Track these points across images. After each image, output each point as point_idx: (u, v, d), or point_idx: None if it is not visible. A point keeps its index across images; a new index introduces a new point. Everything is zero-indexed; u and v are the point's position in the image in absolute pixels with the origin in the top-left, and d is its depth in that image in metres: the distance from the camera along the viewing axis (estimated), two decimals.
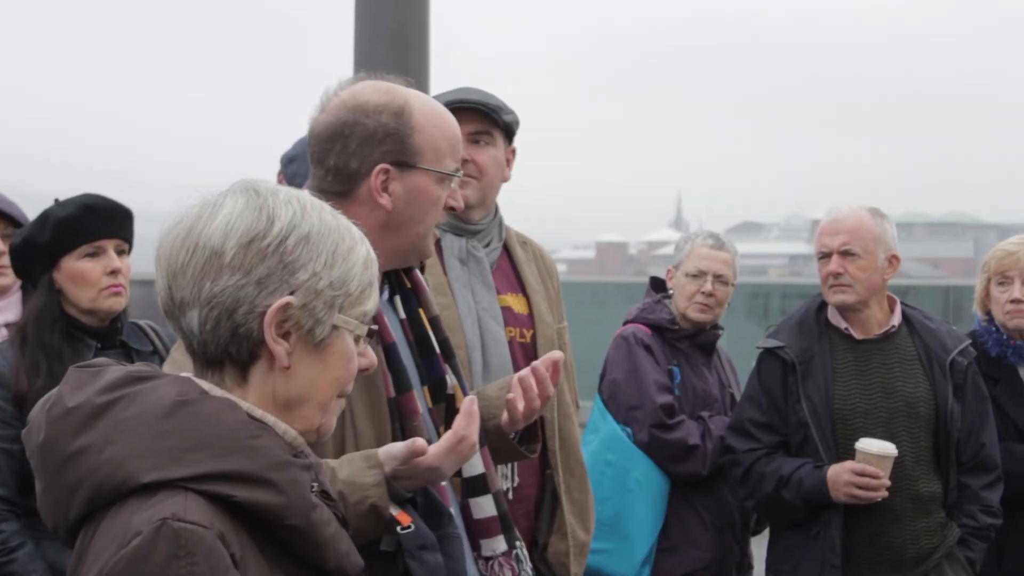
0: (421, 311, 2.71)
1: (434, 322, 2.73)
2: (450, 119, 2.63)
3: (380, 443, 2.47)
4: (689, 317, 4.61)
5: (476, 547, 2.69)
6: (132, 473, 1.58)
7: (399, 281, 2.71)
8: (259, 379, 1.71)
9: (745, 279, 5.61)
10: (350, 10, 6.16)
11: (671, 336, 4.60)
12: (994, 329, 4.54)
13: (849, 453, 4.05)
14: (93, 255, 3.49)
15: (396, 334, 2.63)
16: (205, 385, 1.70)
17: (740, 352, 4.94)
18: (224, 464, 1.59)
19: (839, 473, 4.03)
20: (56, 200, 3.56)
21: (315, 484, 1.71)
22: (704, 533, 4.52)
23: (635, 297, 4.85)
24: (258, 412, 1.70)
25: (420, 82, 6.08)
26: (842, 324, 4.25)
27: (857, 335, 4.24)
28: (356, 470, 2.35)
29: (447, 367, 2.70)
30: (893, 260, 4.24)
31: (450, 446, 2.36)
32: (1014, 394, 4.49)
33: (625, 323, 4.69)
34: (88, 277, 3.48)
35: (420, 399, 2.63)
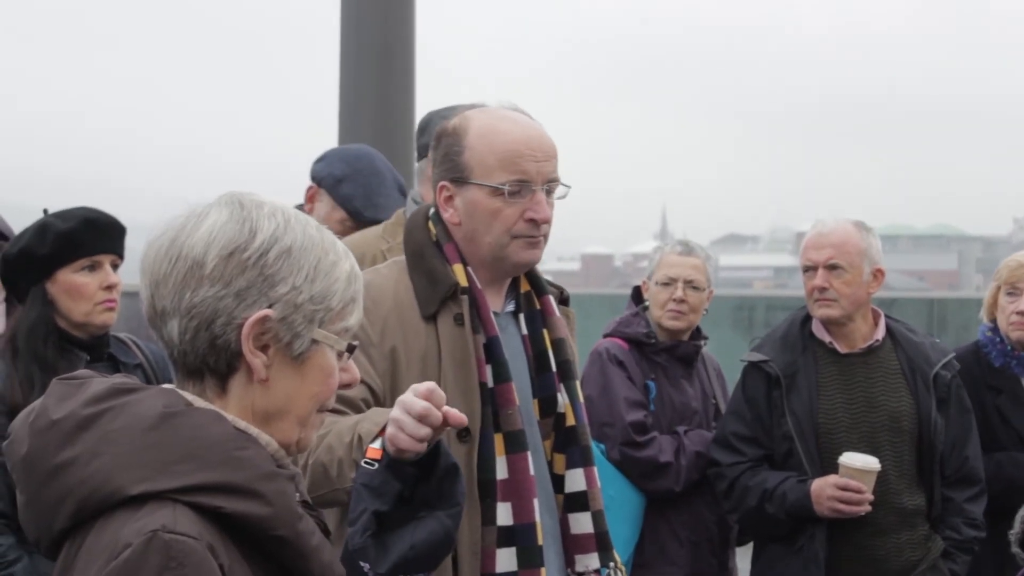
0: (546, 332, 2.92)
1: (558, 344, 2.92)
2: (505, 136, 2.82)
3: (471, 422, 2.68)
4: (664, 326, 4.57)
5: (571, 562, 2.86)
6: (120, 485, 1.57)
7: (528, 302, 2.95)
8: (238, 391, 1.71)
9: (730, 291, 5.62)
10: (336, 24, 6.16)
11: (648, 350, 4.56)
12: (998, 340, 4.55)
13: (833, 467, 4.05)
14: (90, 269, 3.48)
15: (513, 345, 2.87)
16: (189, 397, 1.70)
17: (725, 364, 4.92)
18: (212, 476, 1.59)
19: (822, 487, 4.03)
20: (45, 211, 3.55)
21: (298, 495, 1.71)
22: (679, 549, 4.48)
23: (621, 309, 4.83)
24: (242, 424, 1.69)
25: (405, 96, 6.09)
26: (826, 338, 4.26)
27: (841, 349, 4.25)
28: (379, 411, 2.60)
29: (561, 386, 2.89)
30: (878, 274, 4.25)
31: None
32: (1016, 404, 4.51)
33: (604, 336, 4.66)
34: (85, 291, 3.46)
35: (527, 406, 2.84)
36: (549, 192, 2.84)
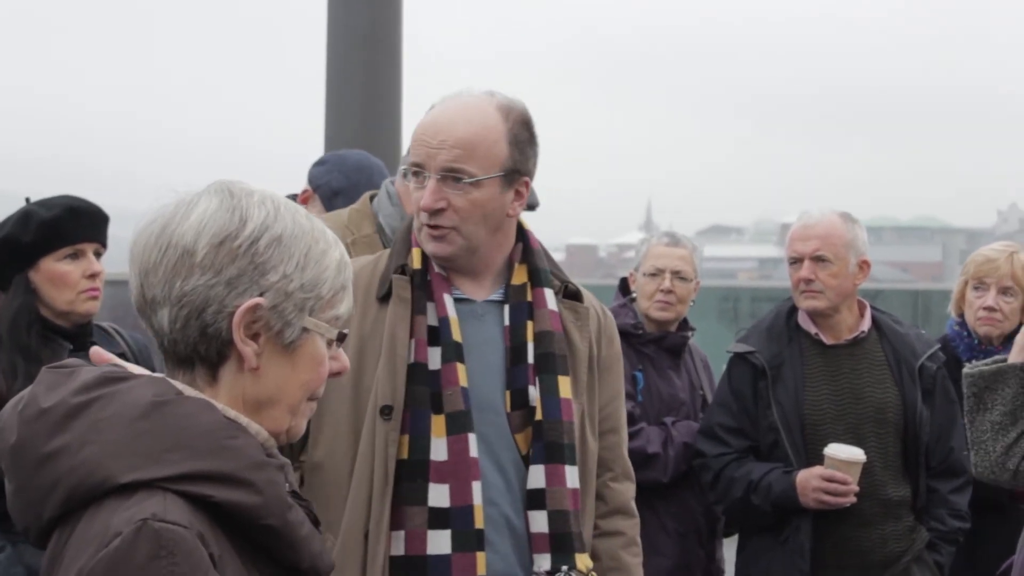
0: (530, 323, 2.83)
1: (541, 336, 2.83)
2: (424, 120, 2.79)
3: (394, 398, 2.70)
4: (651, 317, 4.58)
5: (531, 560, 2.77)
6: (110, 474, 1.57)
7: (519, 292, 2.86)
8: (229, 379, 1.71)
9: (715, 282, 5.64)
10: (323, 11, 6.14)
11: (636, 341, 4.56)
12: (965, 334, 4.55)
13: (818, 458, 4.06)
14: (74, 257, 3.47)
15: (489, 333, 2.83)
16: (179, 385, 1.69)
17: (711, 355, 4.94)
18: (202, 464, 1.59)
19: (808, 479, 4.04)
20: (28, 200, 3.53)
21: (287, 484, 1.71)
22: (667, 539, 4.49)
23: (605, 299, 4.80)
24: (232, 413, 1.69)
25: (392, 84, 6.08)
26: (812, 329, 4.26)
27: (827, 340, 4.25)
28: None
29: (536, 380, 2.80)
30: (864, 265, 4.25)
31: None
32: None
33: None
34: (68, 279, 3.45)
35: (494, 395, 2.79)
36: (456, 180, 2.72)
